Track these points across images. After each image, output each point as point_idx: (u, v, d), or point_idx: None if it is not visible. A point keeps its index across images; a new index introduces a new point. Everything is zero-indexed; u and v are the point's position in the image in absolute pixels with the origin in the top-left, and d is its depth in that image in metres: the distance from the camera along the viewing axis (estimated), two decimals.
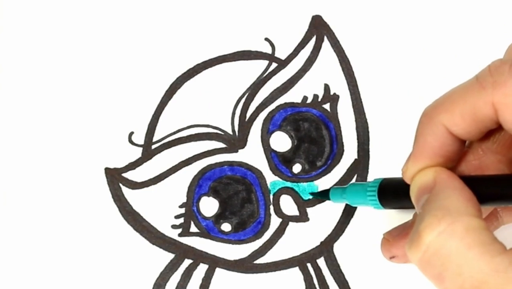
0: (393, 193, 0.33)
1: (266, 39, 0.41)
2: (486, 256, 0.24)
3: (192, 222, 0.39)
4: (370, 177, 0.39)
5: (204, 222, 0.39)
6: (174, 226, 0.39)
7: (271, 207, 0.39)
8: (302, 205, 0.39)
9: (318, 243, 0.39)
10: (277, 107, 0.40)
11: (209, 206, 0.39)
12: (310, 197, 0.39)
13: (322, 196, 0.38)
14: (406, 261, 0.36)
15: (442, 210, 0.26)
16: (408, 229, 0.35)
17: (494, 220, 0.34)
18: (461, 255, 0.25)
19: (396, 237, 0.35)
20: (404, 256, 0.35)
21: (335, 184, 0.39)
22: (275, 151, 0.40)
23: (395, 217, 0.38)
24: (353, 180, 0.39)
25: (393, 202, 0.34)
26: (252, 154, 0.39)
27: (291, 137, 0.40)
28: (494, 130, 0.29)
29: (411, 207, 0.30)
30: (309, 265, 0.38)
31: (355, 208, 0.39)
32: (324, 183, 0.39)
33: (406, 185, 0.30)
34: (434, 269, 0.26)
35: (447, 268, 0.25)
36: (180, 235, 0.39)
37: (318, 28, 0.41)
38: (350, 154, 0.39)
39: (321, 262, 0.38)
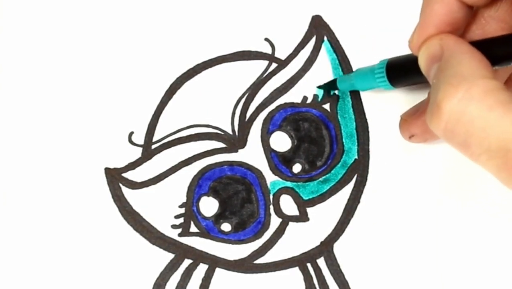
0: (402, 69, 0.32)
1: (266, 39, 0.41)
2: (509, 115, 0.24)
3: (192, 222, 0.39)
4: (371, 177, 0.39)
5: (204, 222, 0.39)
6: (174, 226, 0.39)
7: (271, 207, 0.39)
8: (302, 205, 0.39)
9: (318, 243, 0.39)
10: (277, 107, 0.40)
11: (209, 206, 0.39)
12: (311, 197, 0.39)
13: (330, 87, 0.39)
14: (425, 139, 0.36)
15: (456, 77, 0.25)
16: (424, 106, 0.34)
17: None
18: (484, 118, 0.24)
19: (413, 116, 0.36)
20: (422, 134, 0.35)
21: (336, 185, 0.39)
22: (275, 151, 0.40)
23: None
24: (353, 180, 0.39)
25: (402, 79, 0.33)
26: (252, 154, 0.39)
27: (291, 137, 0.40)
28: None
29: (422, 81, 0.30)
30: (309, 265, 0.38)
31: (355, 208, 0.39)
32: (324, 183, 0.39)
33: (414, 59, 0.30)
34: (459, 136, 0.25)
35: (471, 133, 0.25)
36: (180, 235, 0.39)
37: (318, 28, 0.41)
38: (350, 154, 0.39)
39: (321, 262, 0.38)
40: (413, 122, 0.36)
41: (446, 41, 0.28)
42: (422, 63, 0.29)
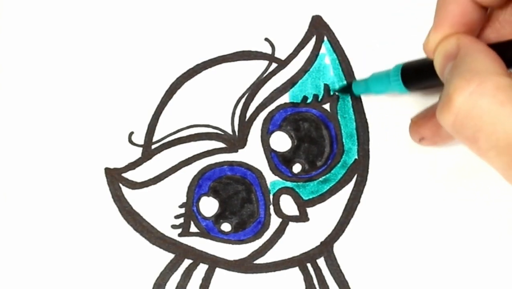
0: (417, 72, 0.33)
1: (266, 39, 0.41)
2: None
3: (192, 222, 0.39)
4: (371, 177, 0.39)
5: (204, 222, 0.39)
6: (174, 226, 0.39)
7: (271, 207, 0.39)
8: (302, 205, 0.39)
9: (318, 243, 0.39)
10: (277, 107, 0.40)
11: (209, 206, 0.39)
12: (311, 197, 0.39)
13: (345, 91, 0.39)
14: (435, 143, 0.36)
15: (470, 72, 0.25)
16: (435, 109, 0.35)
17: None
18: (494, 113, 0.24)
19: (424, 118, 0.35)
20: (432, 137, 0.35)
21: (333, 185, 0.39)
22: (275, 151, 0.40)
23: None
24: (353, 180, 0.39)
25: (417, 82, 0.33)
26: (252, 154, 0.39)
27: (291, 137, 0.40)
28: None
29: (436, 84, 0.30)
30: (309, 265, 0.38)
31: (355, 208, 0.39)
32: (324, 183, 0.39)
33: (429, 63, 0.30)
34: (468, 130, 0.25)
35: (480, 128, 0.25)
36: (180, 235, 0.39)
37: (318, 28, 0.41)
38: (350, 154, 0.39)
39: (321, 262, 0.38)
40: (424, 124, 0.35)
41: (463, 40, 0.28)
42: (437, 62, 0.29)
